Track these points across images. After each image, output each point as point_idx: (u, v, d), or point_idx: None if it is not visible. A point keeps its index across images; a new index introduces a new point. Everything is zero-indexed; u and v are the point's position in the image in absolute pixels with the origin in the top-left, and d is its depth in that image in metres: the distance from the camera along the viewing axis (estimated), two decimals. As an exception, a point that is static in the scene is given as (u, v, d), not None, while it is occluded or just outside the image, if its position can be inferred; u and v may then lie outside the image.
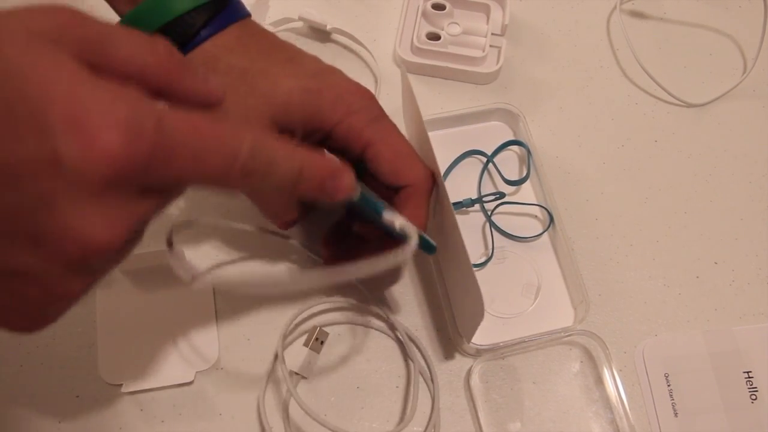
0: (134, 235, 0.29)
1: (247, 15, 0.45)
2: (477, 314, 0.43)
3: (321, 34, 0.61)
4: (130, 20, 0.43)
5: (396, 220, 0.40)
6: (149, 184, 0.27)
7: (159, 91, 0.30)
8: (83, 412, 0.48)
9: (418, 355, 0.50)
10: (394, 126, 0.45)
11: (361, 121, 0.43)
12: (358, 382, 0.49)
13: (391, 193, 0.45)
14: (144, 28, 0.42)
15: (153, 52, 0.29)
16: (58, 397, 0.48)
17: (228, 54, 0.43)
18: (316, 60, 0.45)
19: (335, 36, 0.61)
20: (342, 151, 0.44)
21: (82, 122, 0.24)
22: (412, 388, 0.49)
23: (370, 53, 0.59)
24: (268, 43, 0.45)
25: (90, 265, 0.28)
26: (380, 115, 0.45)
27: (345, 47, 0.61)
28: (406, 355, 0.50)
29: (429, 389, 0.49)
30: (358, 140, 0.43)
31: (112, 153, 0.25)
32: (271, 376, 0.49)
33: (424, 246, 0.43)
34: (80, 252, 0.26)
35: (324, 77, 0.44)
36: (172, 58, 0.30)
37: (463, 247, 0.43)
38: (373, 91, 0.58)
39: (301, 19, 0.59)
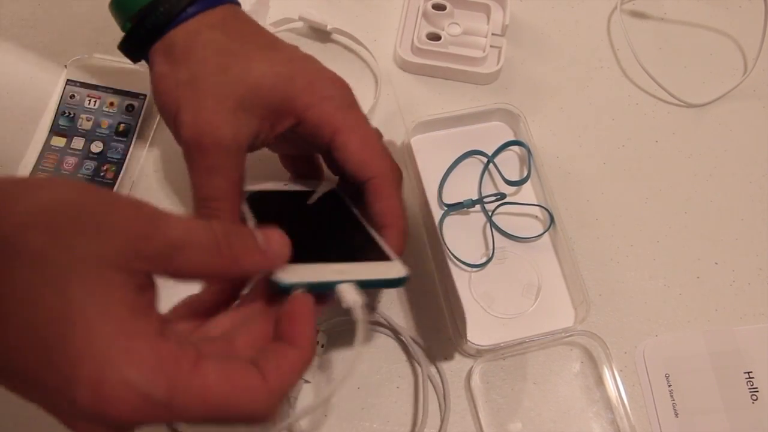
0: None
1: (237, 2, 0.46)
2: (461, 320, 0.44)
3: (321, 34, 0.61)
4: None
5: (345, 296, 0.35)
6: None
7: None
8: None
9: (423, 356, 0.50)
10: (364, 117, 0.45)
11: (332, 107, 0.43)
12: (358, 382, 0.49)
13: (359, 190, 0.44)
14: (132, 4, 0.44)
15: (218, 254, 0.31)
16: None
17: (209, 30, 0.43)
18: (294, 48, 0.46)
19: (335, 36, 0.61)
20: (311, 140, 0.44)
21: (100, 387, 0.26)
22: (422, 392, 0.49)
23: (371, 53, 0.59)
24: (251, 28, 0.45)
25: None
26: (352, 103, 0.44)
27: (345, 47, 0.60)
28: (409, 356, 0.50)
29: (436, 391, 0.49)
30: (327, 126, 0.43)
31: (118, 417, 0.27)
32: None
33: (390, 284, 0.39)
34: None
35: (299, 63, 0.44)
36: (226, 245, 0.32)
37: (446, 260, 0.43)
38: (373, 91, 0.58)
39: (301, 19, 0.59)
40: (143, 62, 0.55)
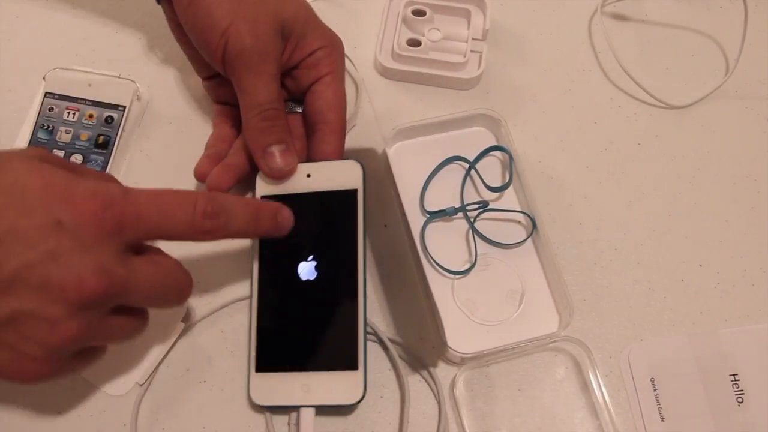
0: (122, 289, 0.36)
1: None
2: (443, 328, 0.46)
3: None
4: None
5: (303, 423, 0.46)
6: (128, 240, 0.37)
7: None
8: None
9: (407, 365, 0.49)
10: (343, 76, 0.52)
11: (330, 56, 0.50)
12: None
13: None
14: None
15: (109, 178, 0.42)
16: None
17: None
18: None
19: None
20: (296, 81, 0.51)
21: (70, 199, 0.35)
22: (407, 403, 0.48)
23: (350, 61, 0.59)
24: None
25: (85, 308, 0.35)
26: (343, 61, 0.52)
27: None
28: (393, 365, 0.49)
29: (434, 396, 0.49)
30: (317, 73, 0.50)
31: (94, 215, 0.35)
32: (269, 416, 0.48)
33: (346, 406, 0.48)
34: (77, 294, 0.34)
35: (312, 12, 0.51)
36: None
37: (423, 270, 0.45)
38: (353, 98, 0.58)
39: None
40: (121, 73, 0.55)
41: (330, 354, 0.46)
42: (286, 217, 0.46)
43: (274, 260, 0.48)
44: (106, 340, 0.39)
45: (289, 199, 0.48)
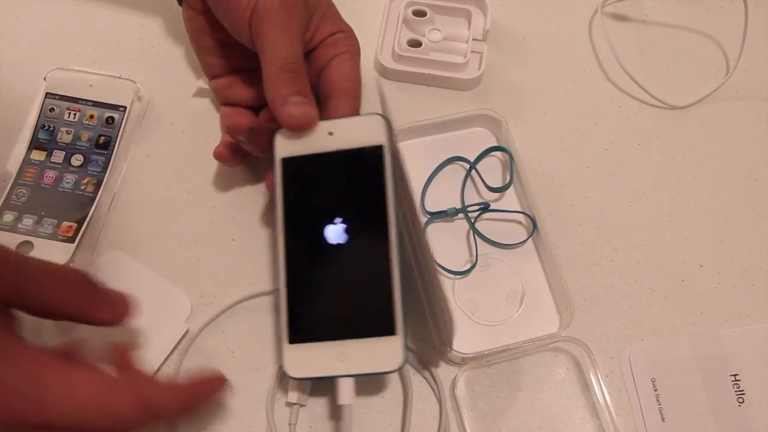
0: None
1: None
2: (449, 328, 0.45)
3: None
4: None
5: (342, 393, 0.44)
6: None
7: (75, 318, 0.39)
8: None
9: (408, 365, 0.49)
10: (359, 59, 0.52)
11: (349, 39, 0.51)
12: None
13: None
14: None
15: (69, 289, 0.39)
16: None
17: None
18: None
19: None
20: (313, 63, 0.51)
21: None
22: (408, 403, 0.48)
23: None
24: None
25: None
26: (359, 49, 0.52)
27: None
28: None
29: (437, 396, 0.49)
30: (336, 51, 0.50)
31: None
32: (270, 411, 0.48)
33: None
34: None
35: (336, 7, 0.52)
36: (85, 293, 0.40)
37: (434, 266, 0.44)
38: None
39: None
40: (122, 73, 0.55)
41: (366, 320, 0.44)
42: (221, 386, 0.44)
43: (301, 225, 0.46)
44: None
45: (312, 160, 0.46)
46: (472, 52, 0.58)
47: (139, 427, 0.37)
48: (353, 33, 0.52)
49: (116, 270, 0.51)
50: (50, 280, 0.38)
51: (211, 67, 0.53)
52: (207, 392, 0.43)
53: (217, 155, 0.52)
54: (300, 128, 0.45)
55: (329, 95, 0.50)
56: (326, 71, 0.51)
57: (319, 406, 0.48)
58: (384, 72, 0.59)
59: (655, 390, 0.50)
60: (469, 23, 0.60)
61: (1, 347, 0.34)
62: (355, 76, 0.51)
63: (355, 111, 0.49)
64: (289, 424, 0.47)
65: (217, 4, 0.49)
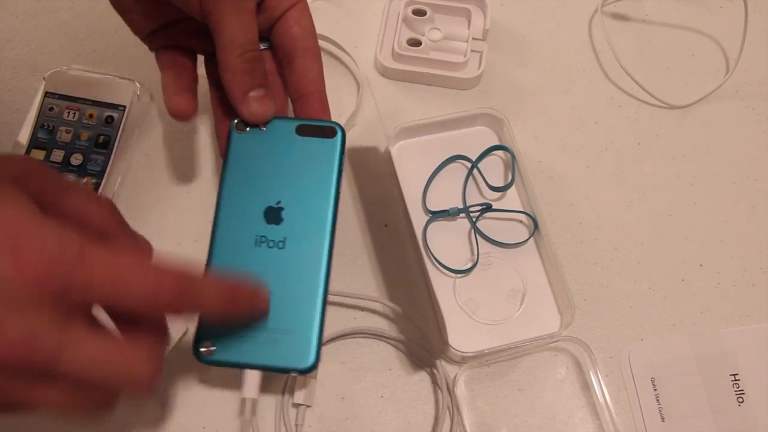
0: (48, 364, 0.32)
1: None
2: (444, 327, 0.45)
3: None
4: None
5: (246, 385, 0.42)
6: (73, 306, 0.32)
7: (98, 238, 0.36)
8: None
9: (409, 363, 0.49)
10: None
11: None
12: (342, 393, 0.49)
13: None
14: None
15: (99, 206, 0.37)
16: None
17: None
18: None
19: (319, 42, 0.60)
20: (266, 13, 0.47)
21: (16, 249, 0.31)
22: (440, 411, 0.48)
23: (352, 59, 0.59)
24: None
25: (32, 373, 0.32)
26: None
27: (327, 52, 0.60)
28: (393, 364, 0.50)
29: (442, 392, 0.49)
30: (290, 2, 0.47)
31: (36, 273, 0.31)
32: (278, 413, 0.48)
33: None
34: (16, 359, 0.31)
35: None
36: (112, 217, 0.38)
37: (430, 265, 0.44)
38: (354, 96, 0.58)
39: None
40: (121, 73, 0.55)
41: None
42: (263, 301, 0.41)
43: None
44: (24, 409, 0.34)
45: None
46: (471, 51, 0.58)
47: (176, 313, 0.36)
48: None
49: None
50: (82, 192, 0.37)
51: (137, 24, 0.49)
52: (247, 300, 0.40)
53: (175, 110, 0.48)
54: (260, 123, 0.45)
55: (292, 55, 0.48)
56: (282, 26, 0.48)
57: (326, 408, 0.48)
58: (383, 71, 0.59)
59: (655, 390, 0.50)
60: (469, 22, 0.60)
61: (40, 219, 0.33)
62: (313, 28, 0.48)
63: (321, 70, 0.48)
64: (296, 425, 0.47)
65: None
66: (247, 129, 0.46)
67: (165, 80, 0.48)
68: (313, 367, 0.41)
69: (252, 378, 0.42)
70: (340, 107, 0.58)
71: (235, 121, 0.46)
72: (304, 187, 0.44)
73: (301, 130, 0.45)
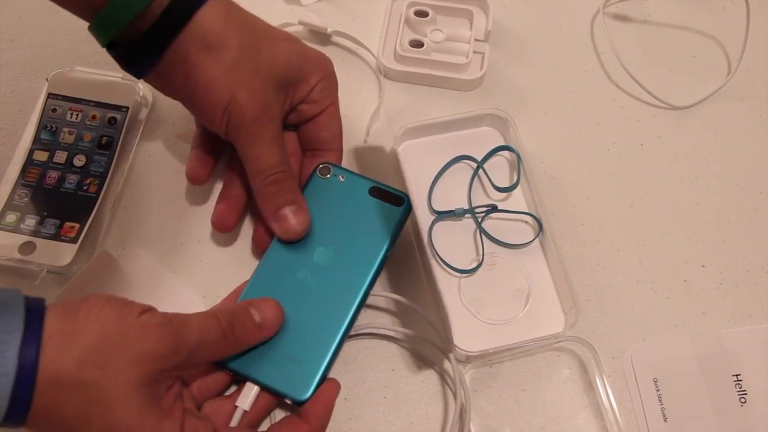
0: None
1: None
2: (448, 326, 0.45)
3: (321, 36, 0.61)
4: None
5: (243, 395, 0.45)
6: None
7: None
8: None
9: (414, 362, 0.49)
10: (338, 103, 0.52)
11: (328, 87, 0.50)
12: (345, 393, 0.49)
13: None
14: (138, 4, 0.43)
15: (226, 342, 0.41)
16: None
17: (230, 11, 0.46)
18: (283, 30, 0.50)
19: (335, 38, 0.61)
20: (299, 114, 0.50)
21: None
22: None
23: (372, 53, 0.59)
24: (245, 13, 0.47)
25: None
26: (337, 88, 0.51)
27: (345, 49, 0.61)
28: (397, 364, 0.50)
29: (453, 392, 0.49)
30: (320, 106, 0.50)
31: None
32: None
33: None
34: None
35: (301, 44, 0.49)
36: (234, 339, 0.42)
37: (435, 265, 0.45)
38: (376, 92, 0.59)
39: (301, 23, 0.60)
40: (124, 74, 0.55)
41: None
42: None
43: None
44: None
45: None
46: (473, 52, 0.58)
47: None
48: (329, 69, 0.50)
49: (137, 268, 0.52)
50: (210, 338, 0.40)
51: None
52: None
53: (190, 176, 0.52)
54: (294, 238, 0.48)
55: (316, 151, 0.52)
56: (312, 127, 0.51)
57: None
58: (386, 72, 0.59)
59: (658, 390, 0.50)
60: (471, 24, 0.61)
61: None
62: (341, 131, 0.52)
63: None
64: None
65: (190, 108, 0.48)
66: (328, 176, 0.50)
67: (192, 153, 0.52)
68: (307, 401, 0.44)
69: (250, 391, 0.44)
70: (363, 102, 0.59)
71: (320, 166, 0.50)
72: (359, 242, 0.48)
73: (373, 192, 0.49)
